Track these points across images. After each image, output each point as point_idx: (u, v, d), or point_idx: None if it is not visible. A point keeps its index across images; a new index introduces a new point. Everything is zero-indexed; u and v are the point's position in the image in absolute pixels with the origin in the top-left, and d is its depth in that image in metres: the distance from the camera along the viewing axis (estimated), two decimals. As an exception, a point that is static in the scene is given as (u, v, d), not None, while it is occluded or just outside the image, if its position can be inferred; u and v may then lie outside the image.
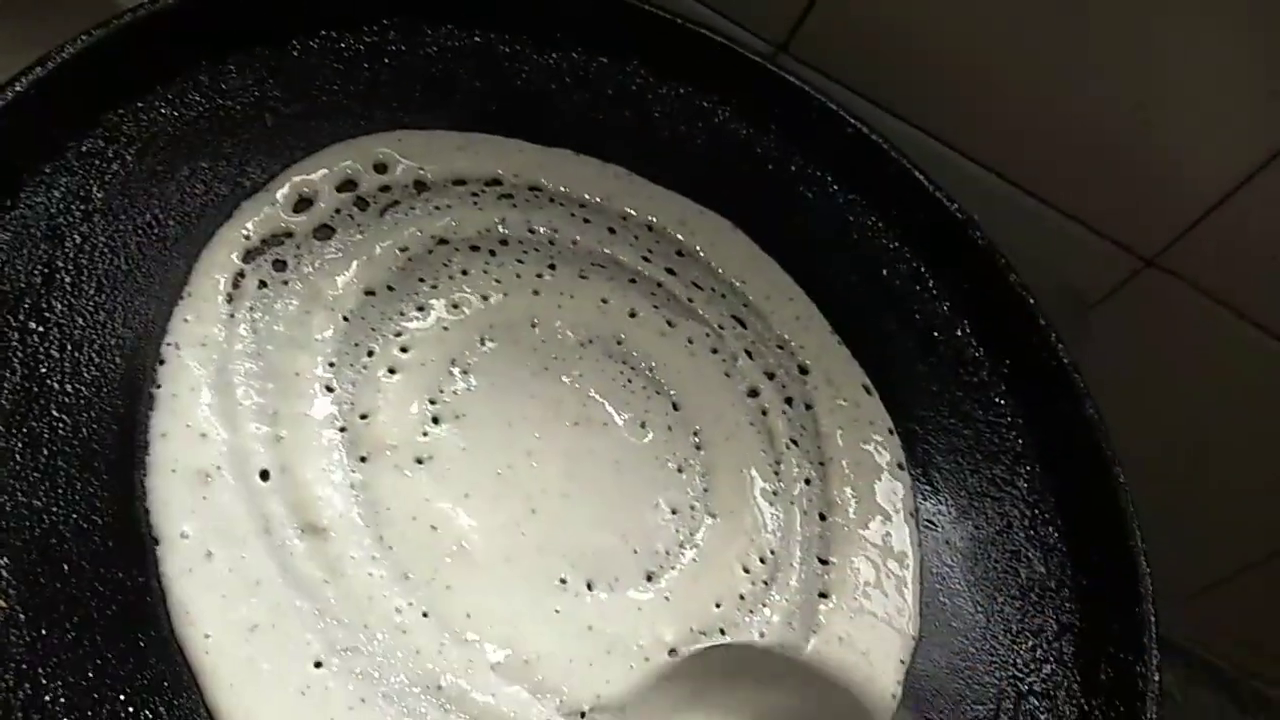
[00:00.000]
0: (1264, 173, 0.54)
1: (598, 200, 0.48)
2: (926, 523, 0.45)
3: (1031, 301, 0.50)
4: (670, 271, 0.48)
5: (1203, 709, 0.73)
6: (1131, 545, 0.45)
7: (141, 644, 0.33)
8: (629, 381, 0.44)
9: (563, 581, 0.39)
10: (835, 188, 0.54)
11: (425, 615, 0.36)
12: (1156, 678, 0.42)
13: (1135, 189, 0.58)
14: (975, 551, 0.46)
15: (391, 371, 0.41)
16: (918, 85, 0.58)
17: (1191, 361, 0.64)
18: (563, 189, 0.47)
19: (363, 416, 0.39)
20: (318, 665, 0.34)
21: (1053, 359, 0.49)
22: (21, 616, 0.32)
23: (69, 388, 0.36)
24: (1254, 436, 0.62)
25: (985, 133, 0.58)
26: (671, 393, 0.45)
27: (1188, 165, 0.56)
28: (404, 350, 0.41)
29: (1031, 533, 0.47)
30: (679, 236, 0.48)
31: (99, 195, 0.40)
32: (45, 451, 0.35)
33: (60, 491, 0.34)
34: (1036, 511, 0.47)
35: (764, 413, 0.46)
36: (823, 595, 0.42)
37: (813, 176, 0.54)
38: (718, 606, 0.40)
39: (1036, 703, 0.43)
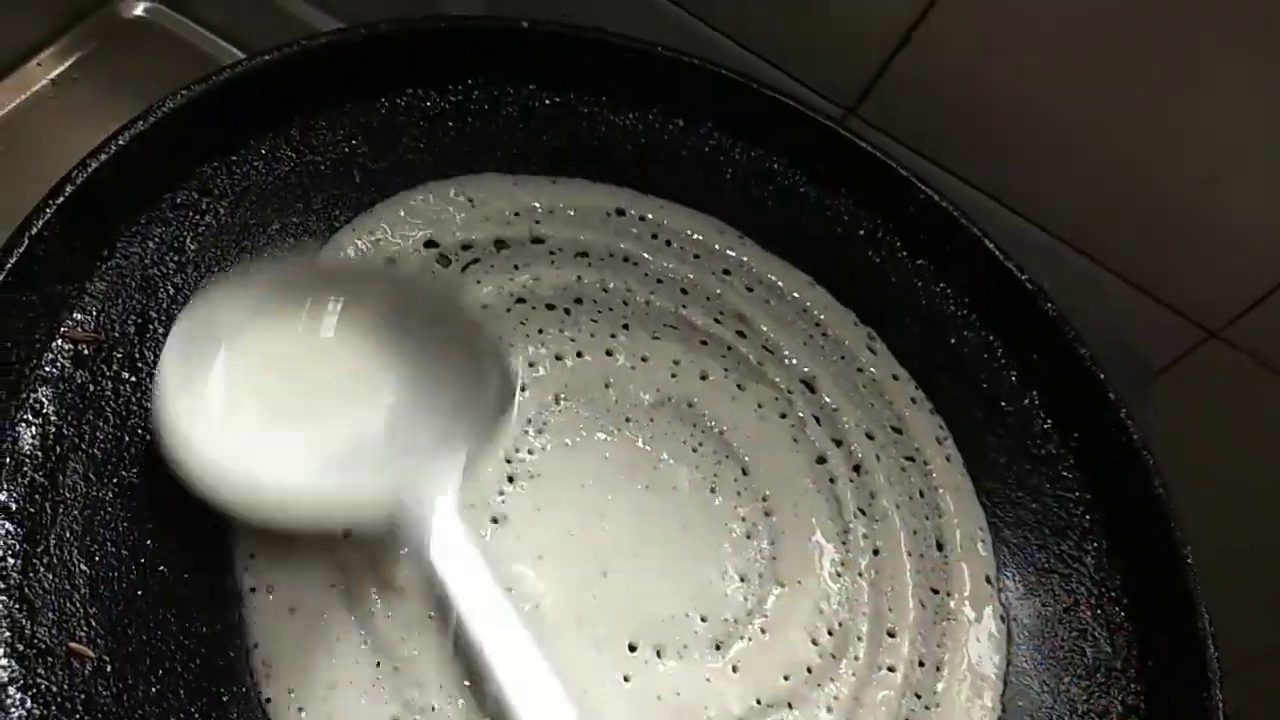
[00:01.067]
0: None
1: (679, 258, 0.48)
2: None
3: (1101, 376, 0.50)
4: (740, 334, 0.48)
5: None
6: (1199, 628, 0.44)
7: (224, 699, 0.33)
8: (700, 445, 0.44)
9: (632, 649, 0.39)
10: (904, 253, 0.54)
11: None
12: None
13: (1203, 261, 0.58)
14: (1042, 629, 0.45)
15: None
16: (986, 151, 0.58)
17: (1252, 433, 0.64)
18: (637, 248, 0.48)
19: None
20: (394, 725, 0.34)
21: (1122, 435, 0.49)
22: (109, 667, 0.33)
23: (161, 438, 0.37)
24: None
25: (1055, 200, 0.58)
26: (744, 457, 0.45)
27: (1255, 240, 0.56)
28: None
29: (1098, 611, 0.46)
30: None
31: (192, 247, 0.41)
32: (135, 502, 0.35)
33: (148, 542, 0.35)
34: (1104, 590, 0.47)
35: (831, 480, 0.46)
36: (890, 669, 0.42)
37: (883, 241, 0.54)
38: (785, 679, 0.40)
39: None
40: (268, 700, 0.34)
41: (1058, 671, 0.44)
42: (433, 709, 0.35)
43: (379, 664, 0.35)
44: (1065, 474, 0.50)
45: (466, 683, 0.36)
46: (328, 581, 0.36)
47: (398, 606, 0.36)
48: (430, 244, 0.44)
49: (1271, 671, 0.72)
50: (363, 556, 0.37)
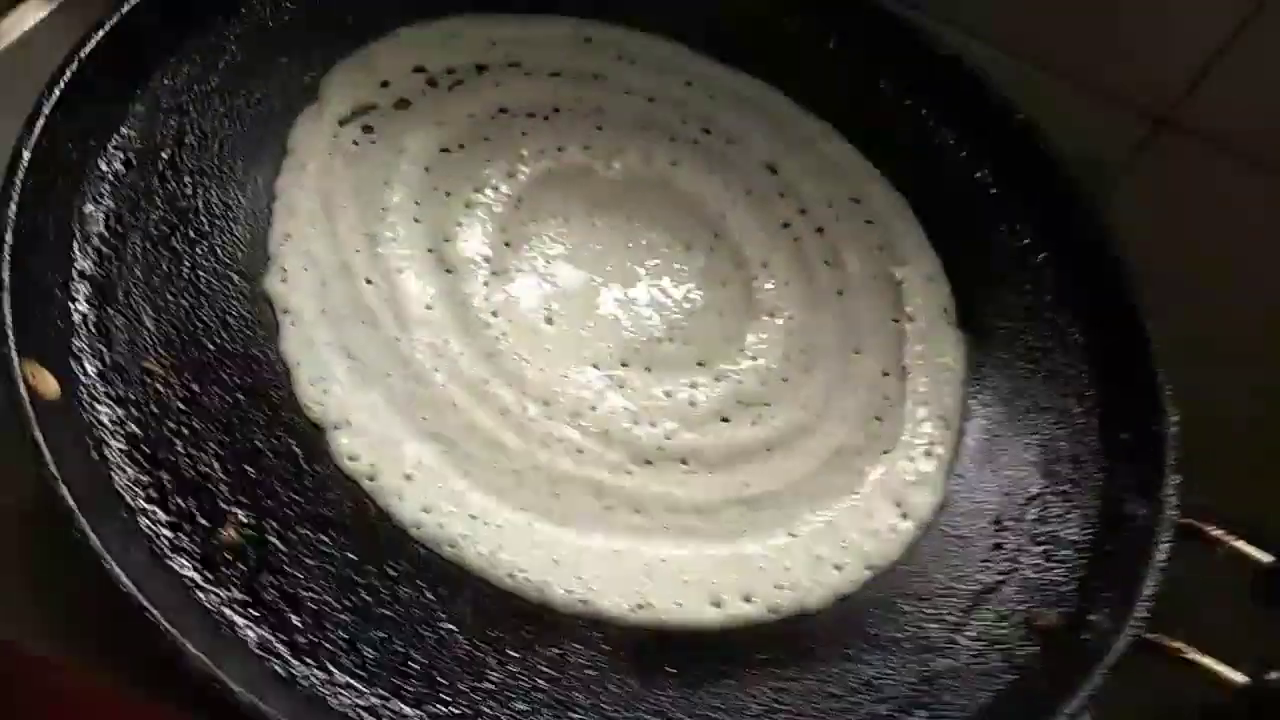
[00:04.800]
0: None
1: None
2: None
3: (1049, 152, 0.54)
4: (705, 131, 0.54)
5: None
6: (1144, 333, 0.49)
7: (276, 402, 0.40)
8: (674, 216, 0.50)
9: (624, 365, 0.45)
10: (857, 55, 0.58)
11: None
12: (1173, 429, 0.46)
13: (1139, 49, 0.62)
14: (1000, 346, 0.50)
15: (468, 206, 0.47)
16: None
17: (1210, 218, 0.67)
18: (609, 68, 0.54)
19: (445, 239, 0.46)
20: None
21: (1066, 182, 0.54)
22: (174, 379, 0.39)
23: (202, 217, 0.43)
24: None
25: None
26: (715, 223, 0.50)
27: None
28: (476, 190, 0.48)
29: (1054, 332, 0.51)
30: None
31: (213, 79, 0.47)
32: (188, 264, 0.42)
33: (202, 294, 0.41)
34: (1057, 314, 0.52)
35: (796, 239, 0.51)
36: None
37: (837, 52, 0.58)
38: (763, 385, 0.46)
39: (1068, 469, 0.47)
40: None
41: (1016, 380, 0.49)
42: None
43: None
44: (1018, 227, 0.55)
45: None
46: (355, 316, 0.42)
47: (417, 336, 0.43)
48: (419, 69, 0.51)
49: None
50: (381, 298, 0.43)
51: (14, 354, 0.35)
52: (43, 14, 0.52)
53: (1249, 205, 0.65)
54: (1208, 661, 0.39)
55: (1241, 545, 0.42)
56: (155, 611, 0.32)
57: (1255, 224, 0.65)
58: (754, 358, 0.47)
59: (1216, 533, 0.43)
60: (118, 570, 0.32)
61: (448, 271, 0.45)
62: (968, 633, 0.42)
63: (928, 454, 0.46)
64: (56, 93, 0.41)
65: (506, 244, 0.47)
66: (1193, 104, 0.63)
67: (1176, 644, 0.39)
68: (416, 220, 0.46)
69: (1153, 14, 0.60)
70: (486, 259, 0.46)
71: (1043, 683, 0.40)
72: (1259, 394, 0.59)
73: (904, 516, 0.44)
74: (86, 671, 0.36)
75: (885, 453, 0.45)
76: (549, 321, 0.45)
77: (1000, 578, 0.43)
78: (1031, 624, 0.42)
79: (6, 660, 0.37)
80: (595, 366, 0.44)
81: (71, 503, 0.33)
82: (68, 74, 0.42)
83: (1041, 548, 0.45)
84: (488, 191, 0.48)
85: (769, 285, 0.49)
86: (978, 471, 0.46)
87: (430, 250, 0.45)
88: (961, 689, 0.41)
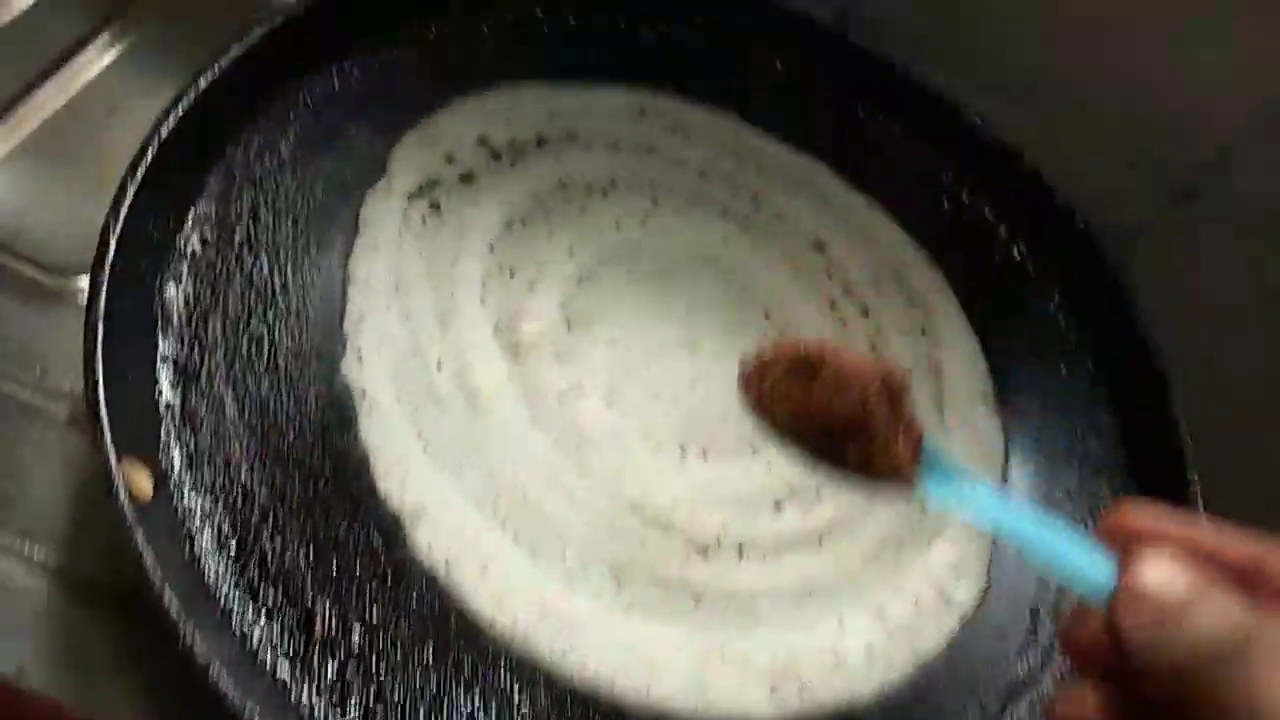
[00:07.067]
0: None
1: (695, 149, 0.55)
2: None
3: (1081, 222, 0.56)
4: (755, 206, 0.55)
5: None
6: (1174, 416, 0.51)
7: (355, 491, 0.41)
8: (724, 294, 0.52)
9: (682, 450, 0.46)
10: (898, 131, 0.60)
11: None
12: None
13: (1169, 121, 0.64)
14: (1038, 434, 0.52)
15: (531, 288, 0.48)
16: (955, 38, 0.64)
17: (1230, 289, 0.69)
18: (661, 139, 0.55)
19: (511, 321, 0.47)
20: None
21: (1104, 269, 0.56)
22: (258, 467, 0.40)
23: (279, 297, 0.44)
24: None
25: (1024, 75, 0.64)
26: (764, 303, 0.52)
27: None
28: (539, 269, 0.49)
29: (1087, 418, 0.53)
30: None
31: (285, 151, 0.48)
32: (267, 345, 0.43)
33: (281, 376, 0.43)
34: (1090, 400, 0.54)
35: (842, 322, 0.53)
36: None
37: (881, 123, 0.60)
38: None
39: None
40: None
41: (1051, 467, 0.51)
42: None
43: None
44: (1054, 306, 0.57)
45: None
46: (428, 400, 0.44)
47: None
48: (482, 142, 0.52)
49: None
50: (452, 381, 0.44)
51: (112, 456, 0.36)
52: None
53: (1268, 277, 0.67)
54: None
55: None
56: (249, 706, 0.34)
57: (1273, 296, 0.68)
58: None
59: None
60: (219, 669, 0.34)
61: (514, 355, 0.46)
62: (1008, 723, 0.44)
63: (969, 542, 0.47)
64: (140, 172, 0.42)
65: (569, 325, 0.48)
66: (1221, 175, 0.65)
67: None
68: (483, 302, 0.47)
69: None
70: (550, 341, 0.47)
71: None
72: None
73: (948, 606, 0.46)
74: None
75: (930, 543, 0.47)
76: (610, 405, 0.46)
77: (1036, 669, 0.45)
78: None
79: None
80: (656, 451, 0.46)
81: (178, 608, 0.34)
82: (149, 153, 0.43)
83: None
84: (550, 269, 0.49)
85: (818, 369, 0.51)
86: (1015, 560, 0.48)
87: (497, 331, 0.47)
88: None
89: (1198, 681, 0.23)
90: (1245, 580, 0.26)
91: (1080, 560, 0.28)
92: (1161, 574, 0.25)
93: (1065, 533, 0.28)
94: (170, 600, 0.34)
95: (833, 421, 0.32)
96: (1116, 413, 0.54)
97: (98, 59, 0.56)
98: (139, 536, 0.35)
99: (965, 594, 0.46)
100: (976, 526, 0.30)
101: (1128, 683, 0.26)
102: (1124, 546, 0.27)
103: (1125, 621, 0.25)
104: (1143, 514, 0.28)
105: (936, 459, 0.33)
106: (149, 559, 0.35)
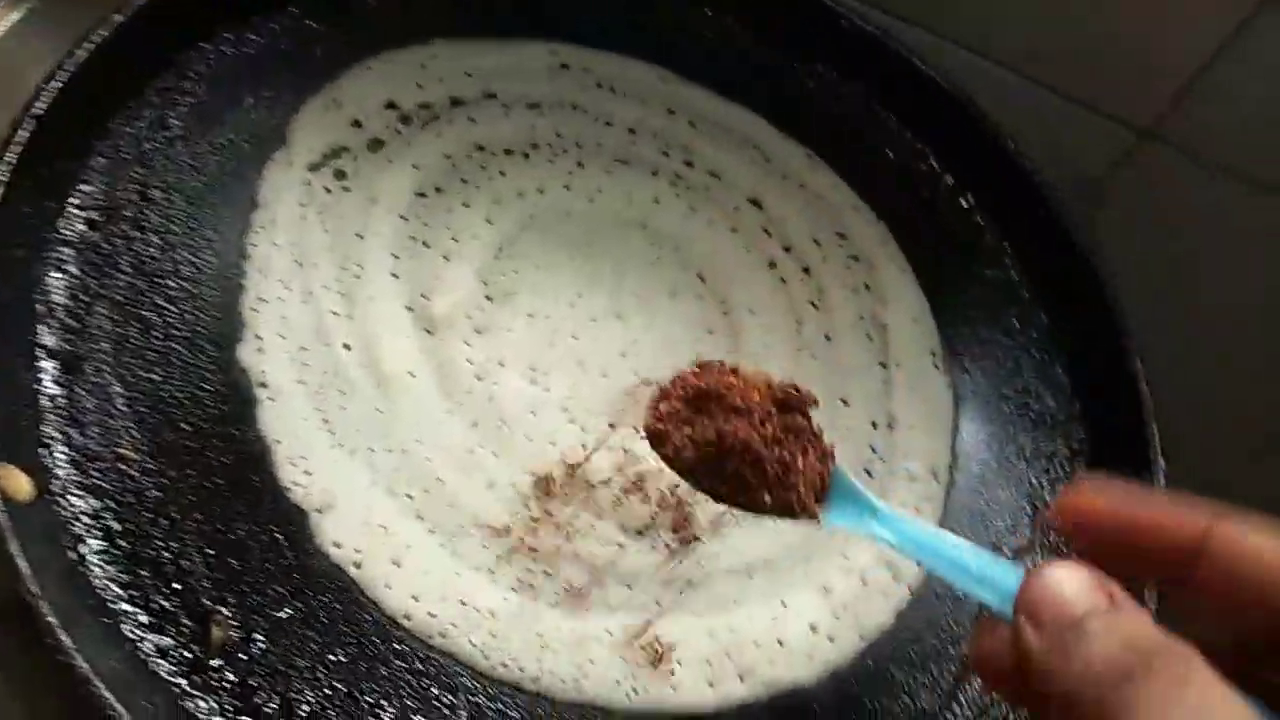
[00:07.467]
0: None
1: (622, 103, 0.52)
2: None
3: (1035, 175, 0.53)
4: (688, 164, 0.52)
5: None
6: (1132, 370, 0.49)
7: (257, 485, 0.38)
8: (658, 258, 0.49)
9: (611, 426, 0.44)
10: (835, 76, 0.57)
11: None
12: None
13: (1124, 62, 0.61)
14: (987, 394, 0.50)
15: (446, 258, 0.46)
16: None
17: (1193, 231, 0.67)
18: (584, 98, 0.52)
19: (424, 295, 0.44)
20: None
21: (1051, 215, 0.53)
22: (150, 465, 0.37)
23: (171, 282, 0.41)
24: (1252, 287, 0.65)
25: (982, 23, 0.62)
26: (700, 266, 0.49)
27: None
28: (454, 239, 0.46)
29: (1040, 373, 0.51)
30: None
31: (177, 124, 0.45)
32: (158, 334, 0.40)
33: (174, 366, 0.40)
34: (1044, 354, 0.51)
35: (783, 280, 0.50)
36: (848, 429, 0.46)
37: (814, 71, 0.57)
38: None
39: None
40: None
41: (1004, 425, 0.49)
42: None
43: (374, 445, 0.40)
44: (1006, 259, 0.54)
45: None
46: (334, 386, 0.41)
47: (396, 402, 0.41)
48: (391, 105, 0.49)
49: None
50: (362, 366, 0.42)
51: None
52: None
53: (1233, 218, 0.65)
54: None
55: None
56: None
57: (1239, 237, 0.66)
58: (742, 411, 0.46)
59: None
60: (99, 685, 0.32)
61: (428, 331, 0.43)
62: (960, 699, 0.42)
63: (918, 510, 0.45)
64: (14, 154, 0.39)
65: (488, 298, 0.45)
66: (1178, 117, 0.63)
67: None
68: (394, 275, 0.44)
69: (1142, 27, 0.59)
70: (467, 315, 0.44)
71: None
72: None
73: (895, 579, 0.43)
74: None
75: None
76: (533, 382, 0.44)
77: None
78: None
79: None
80: (583, 429, 0.43)
81: (51, 617, 0.32)
82: (21, 133, 0.40)
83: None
84: (467, 239, 0.46)
85: (756, 332, 0.48)
86: (968, 524, 0.46)
87: (409, 308, 0.44)
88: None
89: (1094, 707, 0.21)
90: (1188, 558, 0.24)
91: (991, 580, 0.26)
92: (1066, 589, 0.24)
93: (975, 553, 0.28)
94: (47, 609, 0.32)
95: (728, 457, 0.30)
96: (1073, 368, 0.52)
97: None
98: (13, 542, 0.32)
99: (913, 564, 0.44)
100: (890, 549, 0.29)
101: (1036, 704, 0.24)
102: (1072, 532, 0.27)
103: (1023, 645, 0.24)
104: (1096, 494, 0.27)
105: (844, 483, 0.30)
106: (24, 565, 0.32)
